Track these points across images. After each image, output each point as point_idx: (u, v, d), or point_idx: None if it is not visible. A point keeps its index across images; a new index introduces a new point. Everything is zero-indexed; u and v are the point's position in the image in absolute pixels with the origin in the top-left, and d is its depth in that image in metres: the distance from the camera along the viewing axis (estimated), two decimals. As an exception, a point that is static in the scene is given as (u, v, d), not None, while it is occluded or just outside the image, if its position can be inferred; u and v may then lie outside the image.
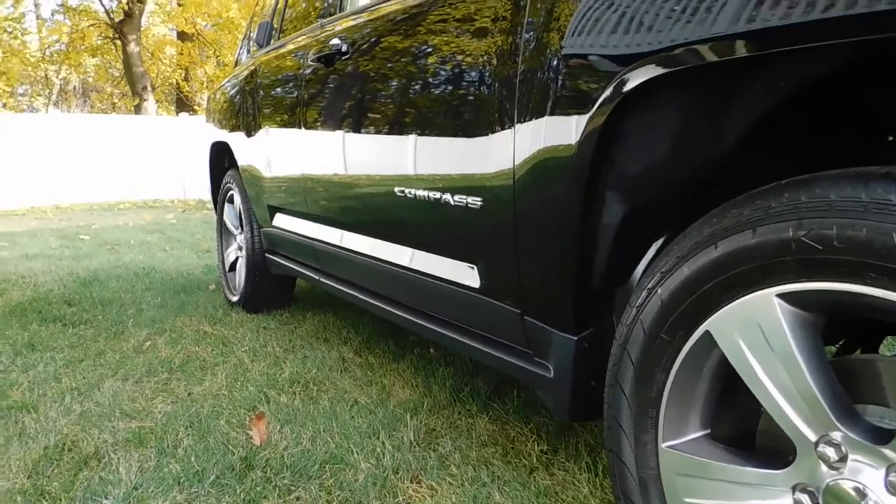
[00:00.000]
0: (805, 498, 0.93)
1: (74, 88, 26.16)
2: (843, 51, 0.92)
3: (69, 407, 2.27)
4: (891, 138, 1.05)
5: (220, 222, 4.10)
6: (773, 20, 0.85)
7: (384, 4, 2.04)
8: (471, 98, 1.57)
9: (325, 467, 1.85)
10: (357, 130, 2.16)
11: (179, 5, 16.60)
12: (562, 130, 1.24)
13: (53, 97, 23.90)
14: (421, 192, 1.79)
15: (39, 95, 24.32)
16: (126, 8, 15.97)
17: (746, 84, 1.08)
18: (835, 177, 0.87)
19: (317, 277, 2.77)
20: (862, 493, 0.86)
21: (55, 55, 19.84)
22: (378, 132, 2.04)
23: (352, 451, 1.92)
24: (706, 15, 0.94)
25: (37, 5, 22.21)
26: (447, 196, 1.67)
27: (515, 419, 2.13)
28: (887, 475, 0.84)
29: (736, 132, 1.14)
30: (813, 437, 0.90)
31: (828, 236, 0.84)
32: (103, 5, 17.14)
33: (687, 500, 1.09)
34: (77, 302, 3.85)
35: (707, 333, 1.02)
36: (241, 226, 3.67)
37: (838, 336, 1.25)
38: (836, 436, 0.88)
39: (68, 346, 2.97)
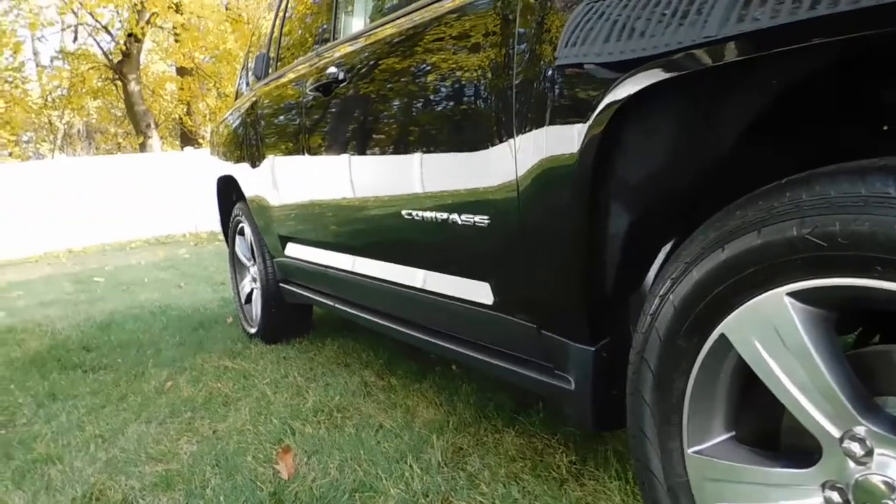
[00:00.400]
0: (835, 495, 0.92)
1: (78, 132, 26.41)
2: (834, 46, 0.92)
3: (94, 455, 2.29)
4: (886, 128, 1.05)
5: (233, 255, 4.12)
6: (763, 20, 0.85)
7: (379, 29, 2.06)
8: (470, 115, 1.58)
9: (354, 496, 1.85)
10: (360, 155, 2.17)
11: (176, 41, 16.74)
12: (562, 141, 1.24)
13: (58, 142, 24.13)
14: (428, 213, 1.79)
15: (44, 141, 24.56)
16: (124, 48, 16.12)
17: (744, 82, 1.08)
18: (832, 173, 0.88)
19: (332, 304, 2.78)
20: (892, 487, 0.86)
21: (57, 100, 20.04)
22: (382, 156, 2.05)
23: (380, 478, 1.92)
24: (696, 17, 0.94)
25: (35, 53, 22.53)
26: (454, 214, 1.68)
27: (542, 431, 2.12)
28: (914, 467, 0.84)
29: (735, 132, 1.14)
30: (837, 434, 0.90)
31: (831, 233, 0.84)
32: (101, 48, 17.35)
33: (717, 505, 1.09)
34: (95, 347, 3.88)
35: (722, 336, 1.02)
36: (254, 257, 3.69)
37: (855, 325, 1.24)
38: (860, 430, 0.88)
39: (89, 393, 2.99)
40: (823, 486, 0.94)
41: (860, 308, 0.91)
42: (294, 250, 3.08)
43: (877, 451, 0.87)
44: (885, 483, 0.86)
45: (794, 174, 0.95)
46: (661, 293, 1.12)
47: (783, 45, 0.86)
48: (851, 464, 0.90)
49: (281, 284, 3.41)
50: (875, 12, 0.74)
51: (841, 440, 0.90)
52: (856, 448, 0.88)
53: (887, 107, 1.03)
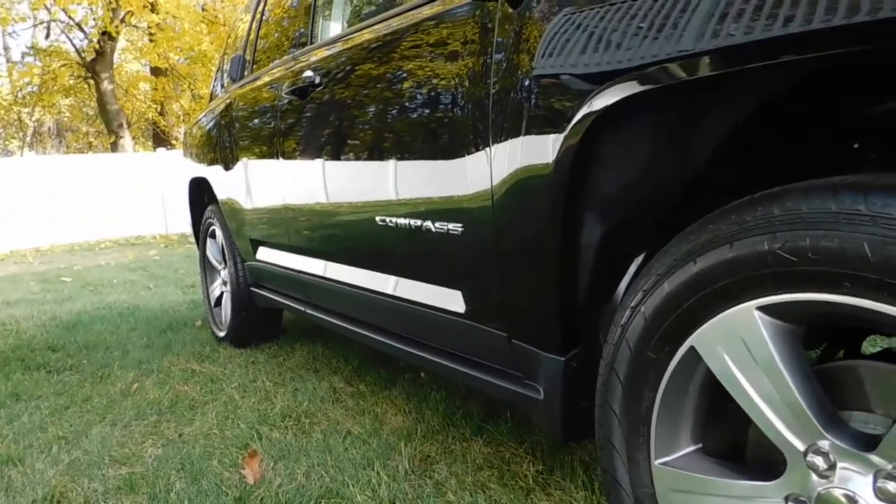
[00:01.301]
0: (798, 508, 0.93)
1: (49, 129, 26.08)
2: (807, 63, 0.93)
3: (56, 457, 2.24)
4: (856, 145, 1.07)
5: (203, 258, 4.08)
6: (738, 36, 0.86)
7: (356, 34, 2.05)
8: (447, 123, 1.58)
9: (320, 503, 1.83)
10: (335, 161, 2.17)
11: (151, 41, 16.56)
12: (538, 151, 1.25)
13: (28, 139, 23.80)
14: (402, 220, 1.79)
15: (13, 138, 24.23)
16: (97, 46, 15.94)
17: (718, 97, 1.09)
18: (804, 189, 0.89)
19: (303, 309, 2.76)
20: (853, 500, 0.87)
21: (28, 97, 19.75)
22: (356, 161, 2.05)
23: (347, 485, 1.90)
24: (672, 31, 0.95)
25: (6, 49, 22.16)
26: (428, 222, 1.68)
27: (510, 440, 2.12)
28: (875, 481, 0.85)
29: (709, 146, 1.15)
30: (801, 447, 0.91)
31: (802, 248, 0.85)
32: (74, 45, 17.12)
33: (683, 516, 1.09)
34: (61, 347, 3.82)
35: (692, 349, 1.03)
36: (225, 260, 3.66)
37: (820, 340, 1.26)
38: (824, 444, 0.89)
39: (53, 394, 2.94)
40: (787, 499, 0.95)
41: (827, 323, 0.93)
42: (265, 254, 3.06)
43: (840, 465, 0.88)
44: (847, 497, 0.87)
45: (766, 189, 0.96)
46: (632, 305, 1.13)
47: (757, 60, 0.87)
48: (815, 477, 0.91)
49: (251, 288, 3.38)
50: (847, 31, 0.75)
51: (805, 454, 0.91)
52: (819, 462, 0.89)
53: (858, 124, 1.05)
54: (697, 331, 1.01)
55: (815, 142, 1.11)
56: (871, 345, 2.01)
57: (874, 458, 0.85)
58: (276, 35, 3.10)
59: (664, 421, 1.10)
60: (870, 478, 0.86)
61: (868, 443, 0.87)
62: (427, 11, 1.66)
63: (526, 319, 1.47)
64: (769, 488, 0.97)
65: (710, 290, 0.98)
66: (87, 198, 11.61)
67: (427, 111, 1.67)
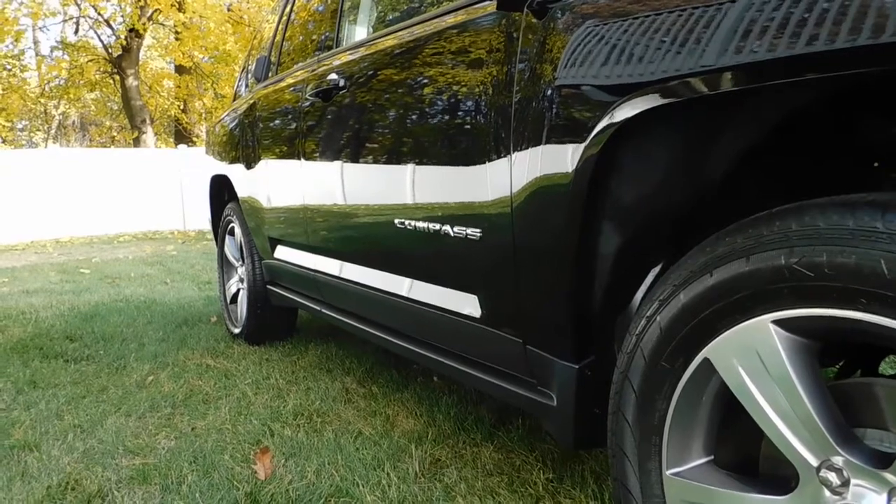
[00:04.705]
0: (809, 524, 0.93)
1: (73, 123, 26.35)
2: (830, 81, 0.93)
3: (72, 445, 2.27)
4: (876, 164, 1.07)
5: (221, 254, 4.11)
6: (760, 53, 0.87)
7: (381, 40, 2.07)
8: (468, 129, 1.59)
9: (330, 501, 1.84)
10: (355, 163, 2.18)
11: (177, 39, 16.70)
12: (558, 160, 1.25)
13: (52, 131, 24.05)
14: (420, 223, 1.80)
15: (39, 130, 24.50)
16: (124, 43, 16.11)
17: (739, 112, 1.09)
18: (823, 205, 0.89)
19: (318, 308, 2.78)
20: (865, 518, 0.87)
21: (54, 90, 19.95)
22: (377, 164, 2.06)
23: (357, 484, 1.91)
24: (695, 46, 0.96)
25: (36, 42, 22.41)
26: (447, 226, 1.69)
27: (520, 447, 2.13)
28: (890, 499, 0.85)
29: (728, 160, 1.16)
30: (815, 463, 0.91)
31: (819, 263, 0.85)
32: (101, 41, 17.31)
33: (692, 527, 1.10)
34: (78, 337, 3.86)
35: (706, 360, 1.03)
36: (243, 258, 3.69)
37: (838, 357, 1.26)
38: (838, 461, 0.89)
39: (70, 383, 2.98)
40: (798, 515, 0.95)
41: (843, 339, 0.93)
42: (283, 253, 3.08)
43: (853, 481, 0.88)
44: (860, 514, 0.87)
45: (783, 204, 0.96)
46: (647, 314, 1.14)
47: (779, 77, 0.87)
48: (827, 493, 0.91)
49: (268, 286, 3.41)
50: (871, 51, 0.76)
51: (818, 469, 0.91)
52: (833, 478, 0.89)
53: (880, 143, 1.05)
54: (712, 343, 1.02)
55: (835, 159, 1.11)
56: (891, 366, 2.01)
57: (889, 475, 0.85)
58: (302, 38, 3.12)
59: (677, 431, 1.10)
60: (884, 496, 0.85)
61: (882, 460, 0.87)
62: (452, 20, 1.67)
63: (541, 326, 1.48)
64: (781, 503, 0.97)
65: (726, 303, 0.98)
66: (108, 191, 11.73)
67: (449, 117, 1.68)
